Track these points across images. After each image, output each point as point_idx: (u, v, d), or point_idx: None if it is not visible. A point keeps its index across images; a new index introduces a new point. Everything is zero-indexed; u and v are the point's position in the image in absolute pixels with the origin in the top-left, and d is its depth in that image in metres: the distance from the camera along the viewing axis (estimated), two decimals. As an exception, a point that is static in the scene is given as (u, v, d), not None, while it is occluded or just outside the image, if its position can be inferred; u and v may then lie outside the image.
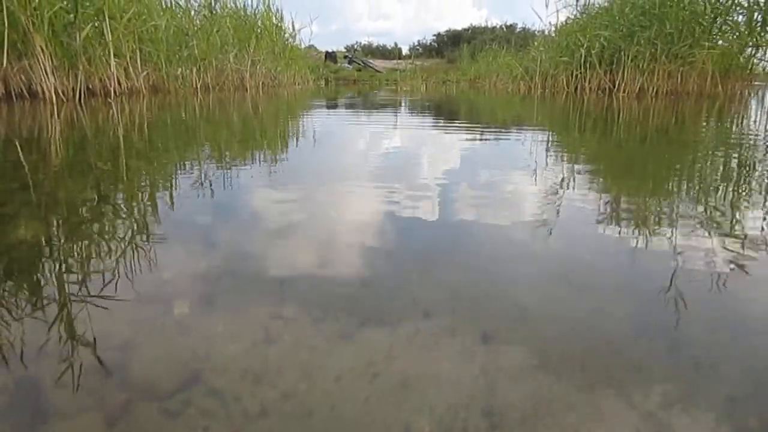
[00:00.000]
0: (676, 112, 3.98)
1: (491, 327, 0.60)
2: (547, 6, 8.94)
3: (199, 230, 0.98)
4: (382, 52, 30.14)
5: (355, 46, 27.63)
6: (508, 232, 0.97)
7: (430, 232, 0.97)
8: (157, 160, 1.77)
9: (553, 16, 10.89)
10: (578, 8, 8.35)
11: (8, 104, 3.86)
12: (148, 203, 1.16)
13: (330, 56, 20.00)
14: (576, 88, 7.73)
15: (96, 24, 4.48)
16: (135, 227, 0.97)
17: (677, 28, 6.28)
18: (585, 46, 7.28)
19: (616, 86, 6.98)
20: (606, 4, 7.81)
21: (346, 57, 21.32)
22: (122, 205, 1.14)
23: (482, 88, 11.57)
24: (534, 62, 8.96)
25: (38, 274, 0.74)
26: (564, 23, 8.84)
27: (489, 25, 28.17)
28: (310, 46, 15.96)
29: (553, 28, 9.27)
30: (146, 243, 0.87)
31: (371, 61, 22.35)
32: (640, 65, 6.67)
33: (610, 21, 7.12)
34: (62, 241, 0.89)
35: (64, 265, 0.77)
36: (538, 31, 10.97)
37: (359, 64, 20.48)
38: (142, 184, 1.37)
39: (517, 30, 24.02)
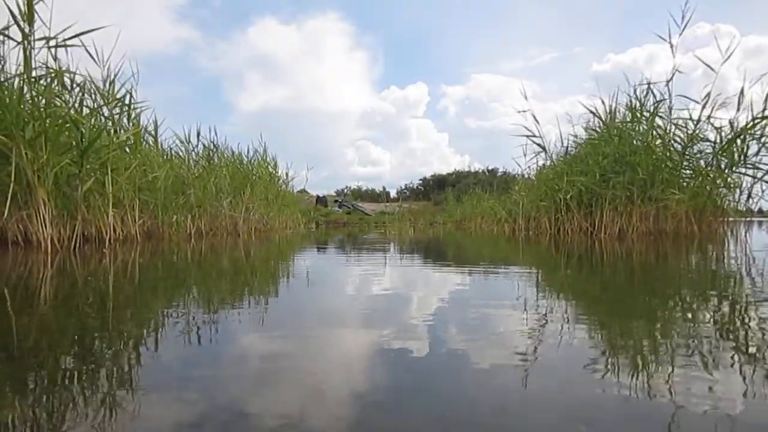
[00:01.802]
0: (655, 252, 4.11)
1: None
2: (525, 155, 9.57)
3: (186, 382, 0.97)
4: (371, 196, 31.51)
5: (345, 190, 28.91)
6: (500, 379, 0.97)
7: (425, 381, 0.97)
8: (148, 310, 1.77)
9: (532, 162, 11.60)
10: (552, 157, 9.00)
11: (1, 251, 3.92)
12: (135, 361, 1.14)
13: (321, 200, 20.84)
14: (558, 230, 8.02)
15: (98, 176, 4.72)
16: (119, 391, 0.95)
17: (648, 173, 6.70)
18: (563, 190, 7.69)
19: (597, 228, 7.25)
20: (575, 152, 8.44)
21: (336, 201, 22.20)
22: (108, 363, 1.12)
23: (468, 229, 11.94)
24: (516, 205, 9.38)
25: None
26: (542, 168, 9.45)
27: (472, 170, 29.91)
28: (302, 191, 16.68)
29: (532, 172, 9.89)
30: (130, 406, 0.85)
31: (360, 204, 23.25)
32: (618, 208, 7.00)
33: (585, 168, 7.60)
34: (41, 410, 0.87)
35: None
36: (519, 175, 11.64)
37: (349, 207, 21.26)
38: (131, 337, 1.36)
39: (499, 174, 25.53)
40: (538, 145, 8.94)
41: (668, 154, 6.97)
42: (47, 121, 4.30)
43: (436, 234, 9.52)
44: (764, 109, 6.32)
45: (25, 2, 4.03)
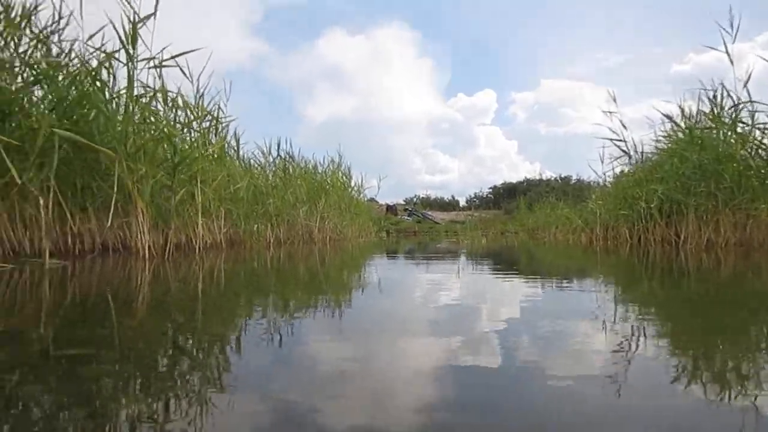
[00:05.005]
0: (749, 265, 3.85)
1: None
2: (602, 161, 9.25)
3: (267, 381, 1.05)
4: (440, 204, 31.41)
5: (415, 199, 28.90)
6: (574, 397, 0.96)
7: (497, 392, 0.98)
8: (235, 313, 1.89)
9: (610, 169, 11.10)
10: (631, 163, 8.63)
11: (103, 258, 4.25)
12: (221, 356, 1.25)
13: (391, 209, 20.98)
14: (639, 240, 7.66)
15: (189, 187, 5.03)
16: (205, 379, 1.06)
17: (735, 181, 6.27)
18: (643, 199, 7.34)
19: (682, 238, 6.85)
20: (655, 157, 8.04)
21: (406, 210, 22.29)
22: (195, 355, 1.26)
23: (542, 239, 11.65)
24: (593, 214, 9.06)
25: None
26: (619, 175, 9.09)
27: (543, 178, 29.05)
28: (371, 200, 16.86)
29: (609, 180, 9.53)
30: (215, 396, 0.94)
31: (430, 213, 23.22)
32: (704, 217, 6.59)
33: (665, 175, 7.23)
34: (132, 387, 0.96)
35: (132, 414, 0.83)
36: (594, 183, 11.25)
37: (419, 216, 21.30)
38: (217, 336, 1.47)
39: (572, 182, 24.70)
40: (624, 151, 8.60)
41: (754, 161, 6.48)
42: (146, 135, 4.66)
43: (509, 243, 9.37)
44: None
45: (130, 27, 4.39)
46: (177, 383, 1.05)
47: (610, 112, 8.47)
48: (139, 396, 0.97)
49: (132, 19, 4.43)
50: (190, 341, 1.44)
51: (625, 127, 8.58)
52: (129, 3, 4.39)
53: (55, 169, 3.71)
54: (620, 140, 8.59)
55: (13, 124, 3.88)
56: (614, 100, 8.55)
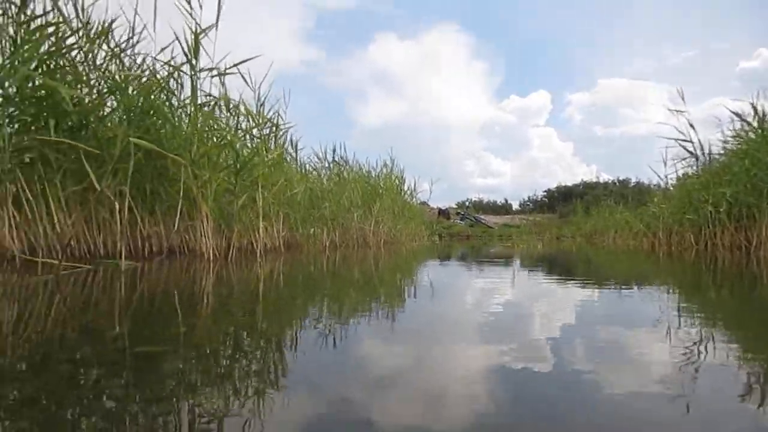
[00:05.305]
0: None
1: None
2: (665, 163, 8.87)
3: (328, 378, 1.09)
4: (493, 208, 31.05)
5: (467, 203, 28.63)
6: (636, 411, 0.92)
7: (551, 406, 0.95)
8: (296, 314, 1.96)
9: (672, 172, 10.57)
10: (697, 165, 8.23)
11: (170, 260, 4.45)
12: (277, 353, 1.32)
13: (443, 213, 20.88)
14: (706, 245, 7.30)
15: (250, 192, 5.20)
16: (270, 377, 1.13)
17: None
18: (710, 202, 6.98)
19: (754, 244, 6.47)
20: (723, 159, 7.63)
21: (458, 213, 22.12)
22: (253, 353, 1.33)
23: (601, 243, 11.30)
24: (656, 219, 8.70)
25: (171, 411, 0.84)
26: (683, 178, 8.69)
27: (600, 180, 28.13)
28: (423, 203, 16.82)
29: (672, 182, 9.14)
30: (282, 393, 0.98)
31: (482, 216, 22.96)
32: (780, 221, 6.20)
33: (733, 178, 6.87)
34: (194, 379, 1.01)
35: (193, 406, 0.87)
36: (655, 186, 10.83)
37: (471, 220, 21.11)
38: (280, 336, 1.55)
39: (631, 184, 23.84)
40: (690, 152, 8.22)
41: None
42: (209, 143, 4.85)
43: (567, 249, 9.14)
44: None
45: (193, 38, 4.59)
46: (243, 380, 1.10)
47: (678, 111, 8.12)
48: (210, 391, 1.02)
49: (194, 30, 4.63)
50: (255, 340, 1.50)
51: (692, 126, 8.18)
52: (191, 15, 4.60)
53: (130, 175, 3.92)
54: (686, 140, 8.22)
55: (88, 133, 4.13)
56: (682, 98, 8.19)
